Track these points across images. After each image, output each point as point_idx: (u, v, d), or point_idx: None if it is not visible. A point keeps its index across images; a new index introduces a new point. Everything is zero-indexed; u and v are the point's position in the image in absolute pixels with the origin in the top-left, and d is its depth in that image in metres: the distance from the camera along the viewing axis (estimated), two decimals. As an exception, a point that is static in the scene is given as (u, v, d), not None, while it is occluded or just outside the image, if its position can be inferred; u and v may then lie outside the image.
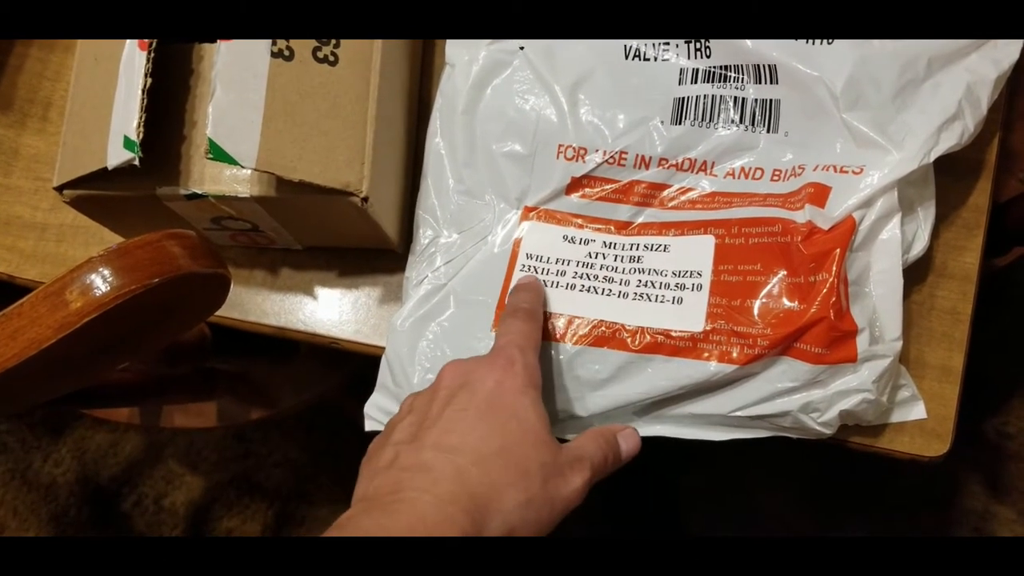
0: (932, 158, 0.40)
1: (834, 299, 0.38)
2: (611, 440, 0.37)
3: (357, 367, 0.71)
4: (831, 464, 0.98)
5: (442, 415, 0.35)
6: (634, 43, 0.45)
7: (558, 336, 0.42)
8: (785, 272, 0.40)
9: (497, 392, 0.35)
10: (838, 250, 0.39)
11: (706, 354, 0.40)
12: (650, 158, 0.44)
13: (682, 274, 0.42)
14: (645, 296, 0.42)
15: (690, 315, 0.41)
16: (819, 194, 0.40)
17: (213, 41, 0.41)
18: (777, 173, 0.43)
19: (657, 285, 0.42)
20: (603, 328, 0.42)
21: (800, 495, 0.99)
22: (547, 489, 0.33)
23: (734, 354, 0.39)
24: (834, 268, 0.39)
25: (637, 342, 0.41)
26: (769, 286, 0.40)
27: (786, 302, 0.39)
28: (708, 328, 0.40)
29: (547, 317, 0.42)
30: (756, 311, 0.40)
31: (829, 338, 0.38)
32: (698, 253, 0.42)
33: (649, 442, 0.43)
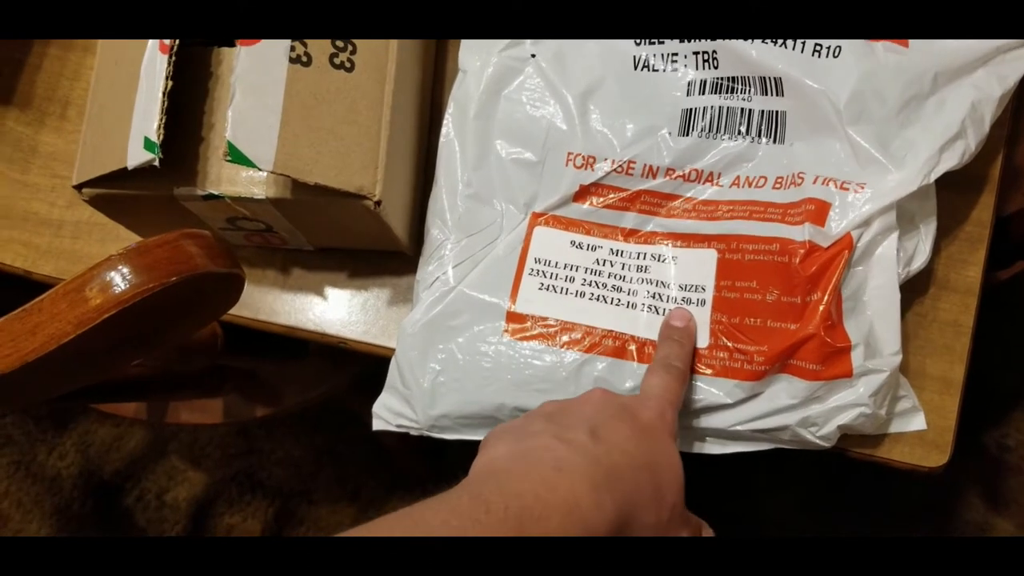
0: (932, 179, 0.41)
1: (826, 316, 0.39)
2: (705, 528, 0.38)
3: (366, 365, 0.72)
4: (832, 473, 0.99)
5: (596, 415, 0.35)
6: (643, 54, 0.46)
7: (569, 343, 0.43)
8: (780, 291, 0.40)
9: (649, 426, 0.35)
10: (834, 269, 0.39)
11: (709, 371, 0.41)
12: (658, 168, 0.45)
13: (687, 288, 0.43)
14: (654, 308, 0.43)
15: (696, 330, 0.41)
16: (819, 212, 0.41)
17: (231, 41, 0.42)
18: (779, 180, 0.43)
19: (664, 298, 0.43)
20: (612, 339, 0.42)
21: (801, 503, 0.99)
22: (670, 527, 0.34)
23: (736, 371, 0.40)
24: (829, 287, 0.39)
25: (646, 354, 0.42)
26: (765, 304, 0.41)
27: (781, 321, 0.40)
28: (712, 343, 0.41)
29: (558, 324, 0.43)
30: (754, 329, 0.40)
31: (823, 354, 0.39)
32: (702, 267, 0.43)
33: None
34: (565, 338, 0.43)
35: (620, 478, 0.32)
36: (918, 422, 0.43)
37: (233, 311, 0.48)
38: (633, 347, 0.42)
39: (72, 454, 1.11)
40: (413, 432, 0.45)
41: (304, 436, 1.08)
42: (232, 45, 0.42)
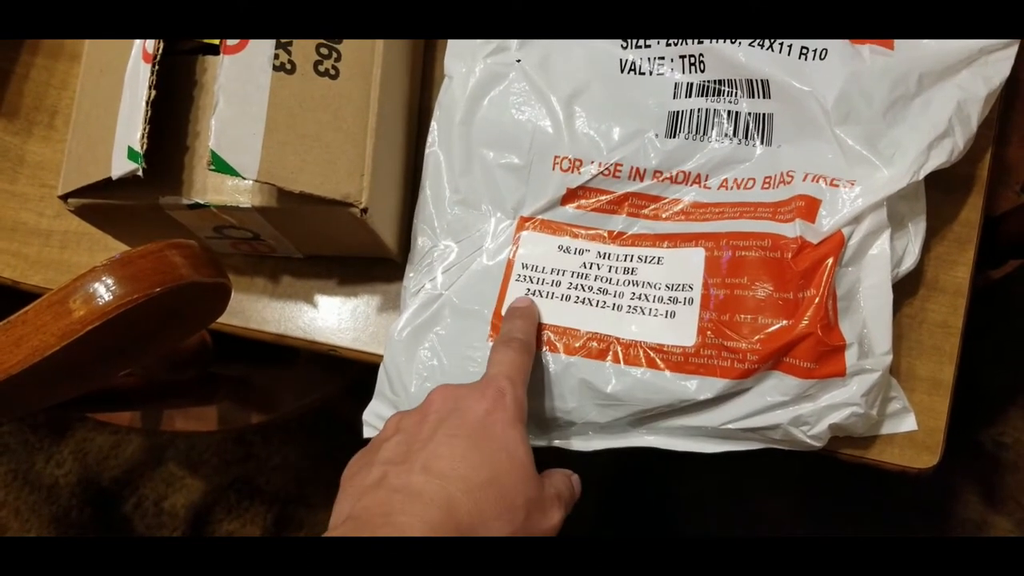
0: (921, 176, 0.41)
1: (822, 314, 0.39)
2: (574, 481, 0.38)
3: (357, 372, 0.72)
4: (828, 473, 0.99)
5: (432, 438, 0.35)
6: (629, 56, 0.46)
7: (554, 347, 0.43)
8: (773, 287, 0.40)
9: (487, 422, 0.35)
10: (827, 265, 0.39)
11: (699, 369, 0.40)
12: (644, 170, 0.45)
13: (675, 287, 0.43)
14: (639, 309, 0.43)
15: (682, 329, 0.41)
16: (809, 208, 0.41)
17: (215, 49, 0.42)
18: (768, 180, 0.43)
19: (651, 298, 0.43)
20: (596, 341, 0.42)
21: (797, 503, 0.99)
22: (529, 523, 0.34)
23: (725, 369, 0.40)
24: (823, 283, 0.39)
25: (631, 355, 0.42)
26: (757, 301, 0.40)
27: (775, 317, 0.40)
28: (699, 342, 0.41)
29: (543, 328, 0.43)
30: (745, 326, 0.40)
31: (817, 353, 0.39)
32: (690, 266, 0.43)
33: (644, 450, 0.43)
34: (551, 341, 0.42)
35: (457, 509, 0.32)
36: (909, 423, 0.43)
37: (222, 319, 0.48)
38: (618, 349, 0.42)
39: (69, 462, 1.11)
40: (403, 439, 0.45)
41: (301, 442, 1.08)
42: (216, 53, 0.42)
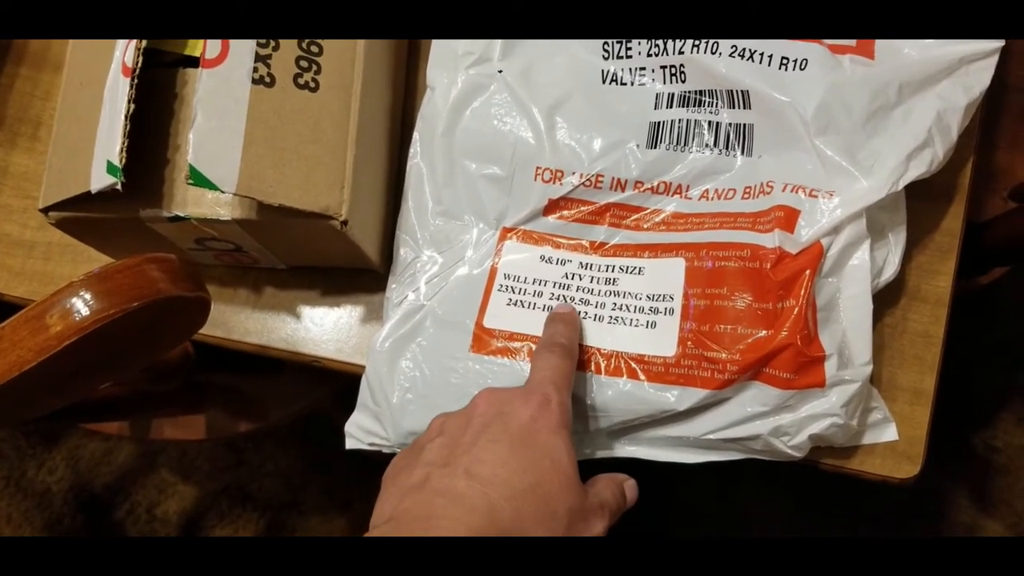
0: (901, 186, 0.41)
1: (801, 325, 0.39)
2: (622, 489, 0.38)
3: (345, 381, 0.72)
4: (819, 477, 0.99)
5: (476, 443, 0.35)
6: (611, 67, 0.46)
7: None
8: (752, 297, 0.40)
9: (531, 428, 0.35)
10: (806, 276, 0.39)
11: (679, 379, 0.41)
12: (626, 181, 0.45)
13: (655, 298, 0.43)
14: (620, 320, 0.43)
15: (663, 340, 0.41)
16: (788, 218, 0.41)
17: (195, 62, 0.42)
18: (748, 190, 0.43)
19: (632, 309, 0.43)
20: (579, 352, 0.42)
21: (788, 508, 0.99)
22: (571, 532, 0.34)
23: (705, 379, 0.40)
24: (802, 294, 0.39)
25: (612, 366, 0.42)
26: (736, 311, 0.40)
27: (754, 328, 0.40)
28: (680, 353, 0.41)
29: (524, 339, 0.43)
30: (725, 336, 0.40)
31: (797, 364, 0.39)
32: (670, 276, 0.43)
33: (627, 460, 0.43)
34: (532, 352, 0.43)
35: (499, 516, 0.32)
36: (890, 433, 0.43)
37: (204, 330, 0.48)
38: (600, 360, 0.42)
39: (62, 469, 1.11)
40: (385, 450, 0.45)
41: (292, 448, 1.08)
42: (196, 66, 0.42)
